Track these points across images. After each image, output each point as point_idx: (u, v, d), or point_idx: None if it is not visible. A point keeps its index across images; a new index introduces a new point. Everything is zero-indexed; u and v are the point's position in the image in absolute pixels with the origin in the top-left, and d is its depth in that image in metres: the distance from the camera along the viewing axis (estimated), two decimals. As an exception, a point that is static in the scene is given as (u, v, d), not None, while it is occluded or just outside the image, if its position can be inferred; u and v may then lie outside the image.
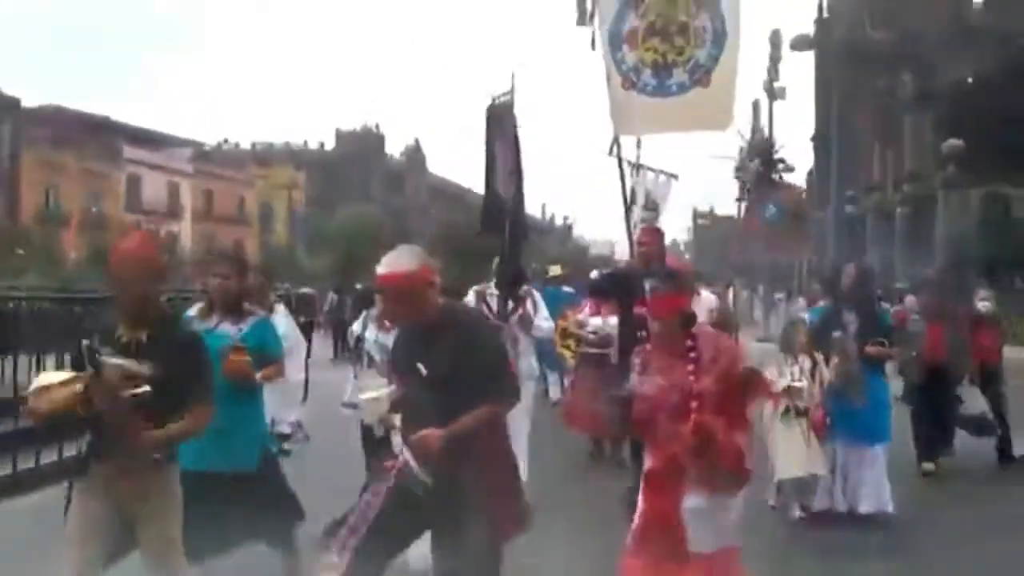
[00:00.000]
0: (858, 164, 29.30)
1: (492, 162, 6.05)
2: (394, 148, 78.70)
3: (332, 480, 5.27)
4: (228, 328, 4.33)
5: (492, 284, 6.25)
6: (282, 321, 5.96)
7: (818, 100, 30.93)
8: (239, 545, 4.19)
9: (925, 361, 7.22)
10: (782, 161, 18.98)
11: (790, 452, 5.53)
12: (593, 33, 6.32)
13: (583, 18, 6.36)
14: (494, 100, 6.05)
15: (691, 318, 3.78)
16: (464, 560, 3.20)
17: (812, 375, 5.81)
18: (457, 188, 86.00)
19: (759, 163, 6.47)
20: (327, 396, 6.92)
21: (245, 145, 73.38)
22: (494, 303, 6.06)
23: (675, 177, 7.27)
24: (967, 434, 7.38)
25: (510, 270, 6.08)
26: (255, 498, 4.14)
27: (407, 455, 3.19)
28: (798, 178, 30.01)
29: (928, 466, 7.17)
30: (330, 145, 74.52)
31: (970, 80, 26.14)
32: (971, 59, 25.43)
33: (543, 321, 6.25)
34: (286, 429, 6.69)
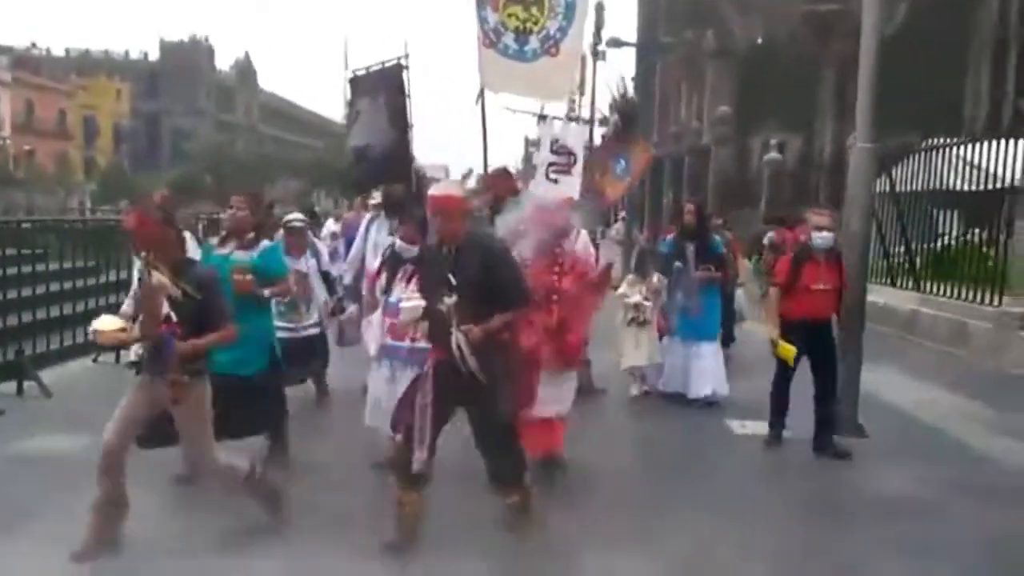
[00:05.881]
0: (669, 109, 33.51)
1: (402, 118, 6.25)
2: (223, 62, 76.07)
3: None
4: (241, 255, 5.05)
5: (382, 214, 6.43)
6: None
7: (639, 43, 34.55)
8: (240, 439, 4.84)
9: None
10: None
11: (632, 349, 7.26)
12: None
13: None
14: (385, 63, 6.31)
15: (561, 233, 4.96)
16: (492, 423, 3.99)
17: (656, 293, 7.26)
18: (288, 105, 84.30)
19: (618, 119, 7.53)
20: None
21: (57, 51, 68.55)
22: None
23: (588, 122, 7.51)
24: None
25: (419, 214, 6.59)
26: (258, 397, 4.91)
27: (462, 345, 3.84)
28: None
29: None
30: (154, 55, 71.07)
31: (760, 41, 30.04)
32: (763, 21, 29.37)
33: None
34: None
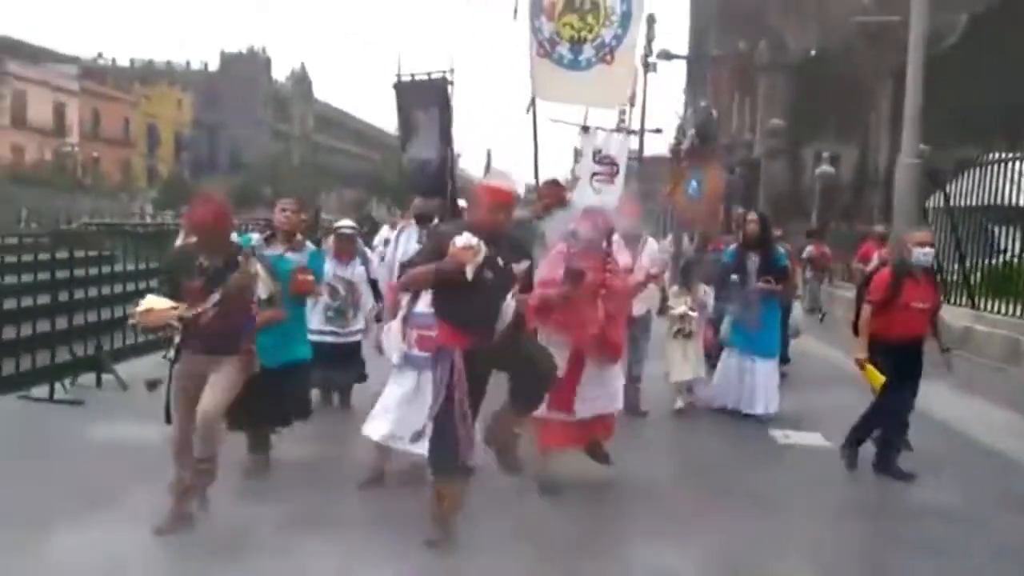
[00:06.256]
0: (721, 121, 33.40)
1: (448, 133, 6.37)
2: (280, 72, 77.50)
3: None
4: (293, 256, 5.31)
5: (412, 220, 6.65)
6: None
7: (691, 51, 34.53)
8: (263, 428, 5.26)
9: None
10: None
11: (680, 361, 7.15)
12: (516, 2, 6.60)
13: None
14: (431, 75, 6.37)
15: (612, 232, 4.94)
16: (534, 372, 4.14)
17: (702, 305, 7.22)
18: (342, 115, 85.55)
19: (695, 135, 7.00)
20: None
21: (122, 62, 70.70)
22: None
23: (633, 132, 7.83)
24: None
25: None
26: (290, 390, 5.17)
27: (511, 311, 3.97)
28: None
29: None
30: (214, 66, 72.83)
31: (813, 52, 29.79)
32: (817, 32, 29.18)
33: None
34: None
